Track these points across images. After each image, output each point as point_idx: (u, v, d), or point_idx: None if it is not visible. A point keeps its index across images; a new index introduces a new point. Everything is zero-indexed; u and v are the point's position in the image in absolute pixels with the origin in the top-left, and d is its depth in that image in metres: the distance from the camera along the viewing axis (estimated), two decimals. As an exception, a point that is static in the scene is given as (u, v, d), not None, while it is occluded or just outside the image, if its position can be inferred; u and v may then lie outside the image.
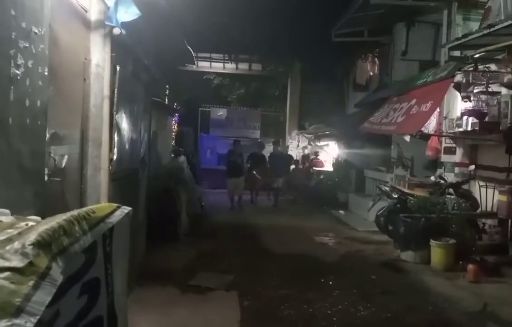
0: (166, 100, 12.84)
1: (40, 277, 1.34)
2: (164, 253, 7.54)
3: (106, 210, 1.99)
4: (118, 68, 5.16)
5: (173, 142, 14.85)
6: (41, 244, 1.44)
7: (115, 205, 2.08)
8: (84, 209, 1.85)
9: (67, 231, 1.59)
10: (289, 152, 18.02)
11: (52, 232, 1.52)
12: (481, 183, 8.66)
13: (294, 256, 8.03)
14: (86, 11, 4.56)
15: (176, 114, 16.69)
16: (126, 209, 2.11)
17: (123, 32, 4.96)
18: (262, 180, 14.68)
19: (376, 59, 14.73)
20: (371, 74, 15.09)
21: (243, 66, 19.99)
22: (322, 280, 6.60)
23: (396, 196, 9.15)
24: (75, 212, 1.75)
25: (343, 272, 7.12)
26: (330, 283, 6.49)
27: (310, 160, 17.07)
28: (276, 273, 6.88)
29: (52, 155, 3.54)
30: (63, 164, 3.83)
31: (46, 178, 3.31)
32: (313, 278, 6.64)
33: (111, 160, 4.96)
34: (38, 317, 1.25)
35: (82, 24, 4.51)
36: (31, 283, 1.31)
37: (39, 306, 1.28)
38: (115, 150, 5.17)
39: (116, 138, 5.21)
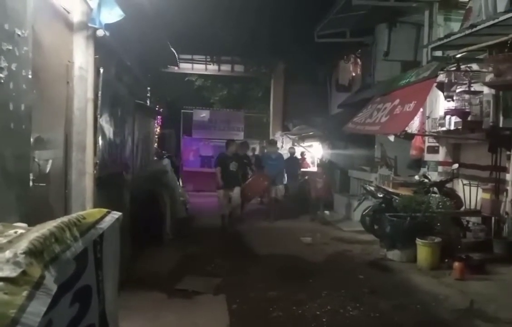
0: (148, 102, 12.72)
1: (34, 286, 1.31)
2: (150, 257, 7.44)
3: (96, 215, 1.96)
4: (101, 70, 5.08)
5: (155, 145, 14.69)
6: (33, 253, 1.41)
7: (104, 210, 2.04)
8: (74, 215, 1.82)
9: (59, 238, 1.56)
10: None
11: (44, 239, 1.49)
12: (465, 182, 8.78)
13: (281, 257, 8.01)
14: (68, 13, 4.47)
15: (158, 117, 16.55)
16: (116, 214, 2.08)
17: (107, 34, 4.89)
18: (258, 190, 12.25)
19: (359, 60, 14.84)
20: (354, 74, 15.20)
21: (226, 68, 19.91)
22: (310, 281, 6.58)
23: (381, 195, 9.21)
24: (65, 219, 1.72)
25: (330, 272, 7.11)
26: (318, 284, 6.46)
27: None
28: (264, 275, 6.84)
29: (36, 159, 3.46)
30: (48, 169, 3.74)
31: (30, 183, 3.22)
32: (301, 279, 6.62)
33: (95, 164, 4.88)
34: None
35: (65, 26, 4.42)
36: (25, 293, 1.28)
37: (34, 317, 1.25)
38: (100, 154, 5.08)
39: (100, 141, 5.13)
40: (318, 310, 5.44)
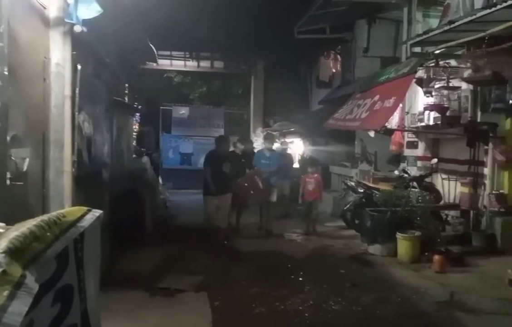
0: (126, 99, 12.54)
1: (15, 286, 1.29)
2: (130, 257, 7.34)
3: (77, 214, 1.92)
4: (79, 67, 4.98)
5: (134, 143, 14.50)
6: (13, 252, 1.38)
7: (85, 208, 2.00)
8: (54, 213, 1.78)
9: (39, 237, 1.53)
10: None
11: (24, 238, 1.46)
12: (444, 176, 8.91)
13: (263, 253, 7.99)
14: (44, 8, 4.36)
15: (137, 114, 16.35)
16: (96, 212, 2.05)
17: (84, 29, 4.78)
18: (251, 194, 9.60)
19: (339, 56, 14.93)
20: (334, 71, 15.28)
21: (205, 64, 19.76)
22: (293, 276, 6.59)
23: (361, 190, 9.29)
24: (45, 217, 1.69)
25: (313, 267, 7.13)
26: (301, 279, 6.48)
27: None
28: (246, 271, 6.82)
29: (13, 158, 3.36)
30: (25, 168, 3.64)
31: (7, 182, 3.13)
32: (284, 275, 6.63)
33: (74, 162, 4.77)
34: None
35: (41, 21, 4.31)
36: (6, 293, 1.25)
37: (16, 317, 1.23)
38: (78, 152, 4.98)
39: (78, 139, 5.02)
40: (300, 305, 5.46)
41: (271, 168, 9.86)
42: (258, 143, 18.19)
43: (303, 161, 13.31)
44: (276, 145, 11.72)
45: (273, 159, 10.04)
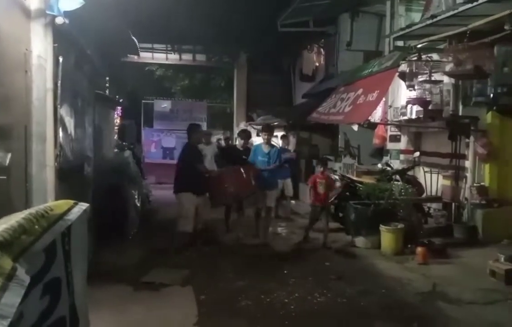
0: (107, 92, 12.36)
1: (7, 278, 1.29)
2: (114, 251, 7.26)
3: (64, 207, 1.92)
4: (61, 59, 4.89)
5: (116, 136, 14.32)
6: (3, 245, 1.39)
7: (72, 201, 2.00)
8: (42, 206, 1.79)
9: (27, 230, 1.54)
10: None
11: (13, 231, 1.47)
12: (426, 169, 9.03)
13: (248, 247, 7.98)
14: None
15: (118, 107, 16.14)
16: (83, 205, 2.04)
17: (66, 21, 4.71)
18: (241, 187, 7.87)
19: (322, 50, 14.95)
20: (317, 64, 15.31)
21: (187, 57, 19.60)
22: (278, 270, 6.60)
23: (345, 184, 9.33)
24: (33, 210, 1.70)
25: (298, 261, 7.16)
26: (286, 272, 6.49)
27: None
28: (231, 265, 6.80)
29: (-5, 152, 3.27)
30: (7, 162, 3.56)
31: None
32: (269, 269, 6.64)
33: (56, 156, 4.70)
34: (9, 319, 1.21)
35: (22, 13, 4.23)
36: None
37: (9, 308, 1.23)
38: (60, 145, 4.90)
39: (61, 133, 4.95)
40: (286, 297, 5.48)
41: (270, 167, 8.23)
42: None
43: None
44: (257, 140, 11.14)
45: (273, 156, 8.30)
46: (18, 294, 1.29)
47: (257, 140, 12.18)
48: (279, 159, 8.41)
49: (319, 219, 8.31)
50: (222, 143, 14.02)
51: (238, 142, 9.48)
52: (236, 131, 18.67)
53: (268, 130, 8.56)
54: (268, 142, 8.37)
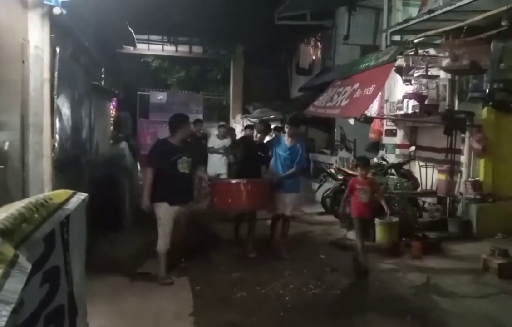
0: (103, 83, 12.30)
1: (9, 265, 1.32)
2: (110, 243, 7.25)
3: (63, 197, 1.96)
4: (58, 50, 4.87)
5: (111, 128, 14.26)
6: (4, 232, 1.42)
7: (70, 191, 2.04)
8: (41, 196, 1.83)
9: (28, 218, 1.57)
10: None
11: (14, 219, 1.50)
12: (421, 163, 9.07)
13: (243, 240, 7.98)
14: (22, -11, 4.23)
15: (114, 99, 16.06)
16: (82, 195, 2.10)
17: (63, 12, 4.68)
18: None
19: (319, 43, 14.94)
20: (314, 58, 15.30)
21: (183, 49, 19.52)
22: (273, 262, 6.61)
23: (341, 177, 9.36)
24: (32, 199, 1.74)
25: (293, 253, 7.16)
26: (281, 264, 6.50)
27: None
28: (226, 257, 6.82)
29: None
30: (6, 147, 3.55)
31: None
32: (264, 261, 6.64)
33: (53, 146, 4.70)
34: (13, 305, 1.24)
35: (19, 3, 4.21)
36: (0, 272, 1.28)
37: (12, 295, 1.26)
38: (57, 136, 4.89)
39: (57, 123, 4.94)
40: (281, 289, 5.52)
41: (288, 168, 6.79)
42: (237, 130, 18.19)
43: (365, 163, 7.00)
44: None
45: (294, 153, 6.83)
46: (20, 281, 1.31)
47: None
48: (301, 159, 6.93)
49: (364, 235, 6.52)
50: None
51: (254, 135, 7.82)
52: (232, 123, 18.65)
53: (292, 123, 7.07)
54: (292, 135, 6.92)
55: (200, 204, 7.48)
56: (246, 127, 9.41)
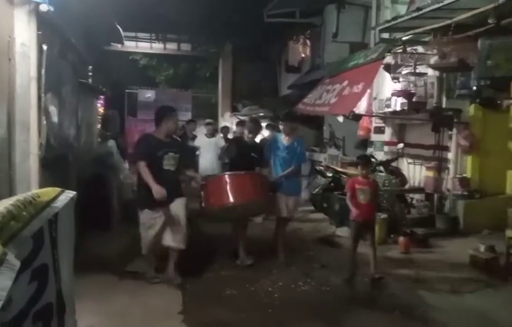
0: (91, 81, 12.19)
1: None
2: (97, 242, 7.16)
3: (51, 194, 1.96)
4: (45, 47, 4.82)
5: (99, 126, 14.14)
6: None
7: (58, 189, 2.03)
8: (29, 193, 1.82)
9: (16, 216, 1.57)
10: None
11: (2, 217, 1.50)
12: (409, 160, 9.15)
13: (232, 238, 7.97)
14: (8, -15, 4.18)
15: (102, 97, 15.93)
16: (70, 193, 2.10)
17: (51, 8, 4.63)
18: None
19: (308, 41, 14.95)
20: (303, 55, 15.31)
21: (172, 46, 19.41)
22: (262, 259, 6.59)
23: (330, 175, 9.40)
24: (20, 197, 1.73)
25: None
26: (270, 261, 6.50)
27: None
28: (215, 255, 6.80)
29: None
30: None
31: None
32: (253, 258, 6.63)
33: (40, 144, 4.65)
34: (1, 302, 1.24)
35: (5, -1, 4.13)
36: None
37: (0, 292, 1.27)
38: (44, 134, 4.84)
39: (44, 121, 4.88)
40: (270, 286, 5.54)
41: (287, 171, 6.43)
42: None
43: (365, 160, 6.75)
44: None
45: (294, 151, 6.51)
46: (9, 278, 1.31)
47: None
48: (302, 156, 6.71)
49: (364, 240, 6.15)
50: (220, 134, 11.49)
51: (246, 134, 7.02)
52: (221, 121, 18.58)
53: (288, 119, 6.74)
54: (289, 133, 6.55)
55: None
56: (238, 124, 9.21)
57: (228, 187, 5.90)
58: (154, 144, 5.36)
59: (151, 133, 5.68)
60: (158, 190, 5.10)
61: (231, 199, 5.87)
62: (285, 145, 6.52)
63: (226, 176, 6.14)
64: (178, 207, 5.46)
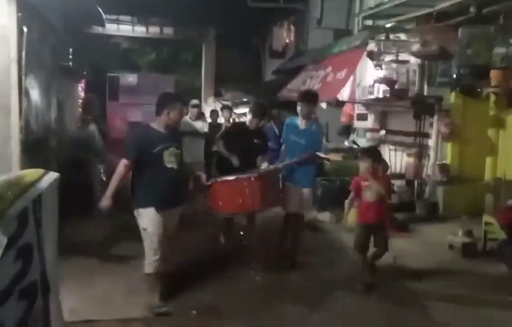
0: (71, 64, 11.99)
1: None
2: (80, 227, 7.14)
3: (35, 175, 1.98)
4: (25, 29, 4.73)
5: (80, 110, 13.95)
6: None
7: (42, 170, 2.06)
8: (13, 174, 1.88)
9: (1, 196, 1.62)
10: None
11: None
12: (391, 147, 9.25)
13: (214, 221, 7.95)
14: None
15: (83, 80, 15.69)
16: (54, 174, 2.11)
17: (31, -10, 4.54)
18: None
19: (292, 27, 14.90)
20: (287, 41, 15.27)
21: (154, 30, 19.11)
22: (244, 243, 6.58)
23: (313, 161, 9.44)
24: (5, 177, 1.79)
25: (264, 236, 7.18)
26: (252, 247, 6.53)
27: None
28: (197, 238, 6.77)
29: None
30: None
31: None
32: (234, 243, 6.61)
33: (21, 128, 4.59)
34: None
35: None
36: None
37: None
38: (25, 117, 4.78)
39: (25, 104, 4.82)
40: (252, 270, 5.57)
41: (301, 157, 5.55)
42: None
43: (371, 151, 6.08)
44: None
45: (311, 136, 5.64)
46: None
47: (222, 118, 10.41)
48: (319, 143, 5.99)
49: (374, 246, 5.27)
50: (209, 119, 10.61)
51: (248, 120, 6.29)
52: (204, 107, 18.46)
53: (308, 99, 5.66)
54: (307, 116, 5.61)
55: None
56: (223, 108, 8.91)
57: (239, 193, 5.13)
58: (151, 138, 4.40)
59: (148, 123, 4.70)
60: (104, 203, 4.47)
61: (243, 207, 5.28)
62: (300, 129, 5.61)
63: (238, 181, 5.20)
64: (172, 219, 4.63)
